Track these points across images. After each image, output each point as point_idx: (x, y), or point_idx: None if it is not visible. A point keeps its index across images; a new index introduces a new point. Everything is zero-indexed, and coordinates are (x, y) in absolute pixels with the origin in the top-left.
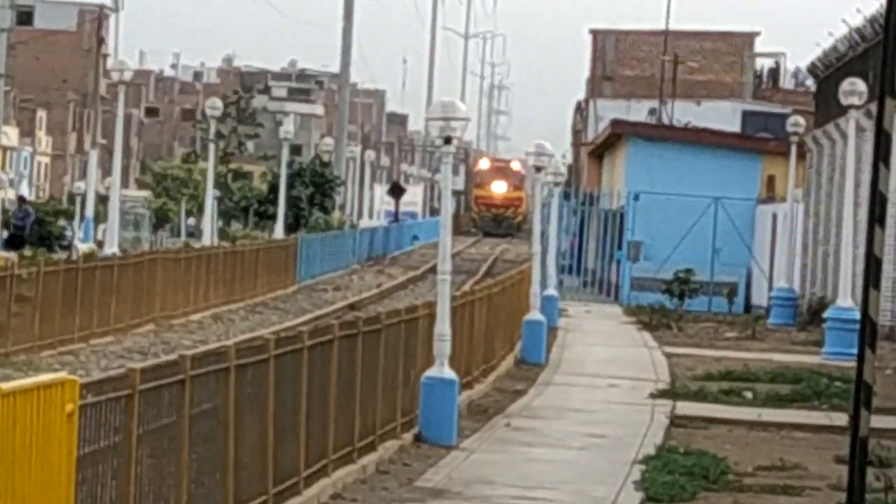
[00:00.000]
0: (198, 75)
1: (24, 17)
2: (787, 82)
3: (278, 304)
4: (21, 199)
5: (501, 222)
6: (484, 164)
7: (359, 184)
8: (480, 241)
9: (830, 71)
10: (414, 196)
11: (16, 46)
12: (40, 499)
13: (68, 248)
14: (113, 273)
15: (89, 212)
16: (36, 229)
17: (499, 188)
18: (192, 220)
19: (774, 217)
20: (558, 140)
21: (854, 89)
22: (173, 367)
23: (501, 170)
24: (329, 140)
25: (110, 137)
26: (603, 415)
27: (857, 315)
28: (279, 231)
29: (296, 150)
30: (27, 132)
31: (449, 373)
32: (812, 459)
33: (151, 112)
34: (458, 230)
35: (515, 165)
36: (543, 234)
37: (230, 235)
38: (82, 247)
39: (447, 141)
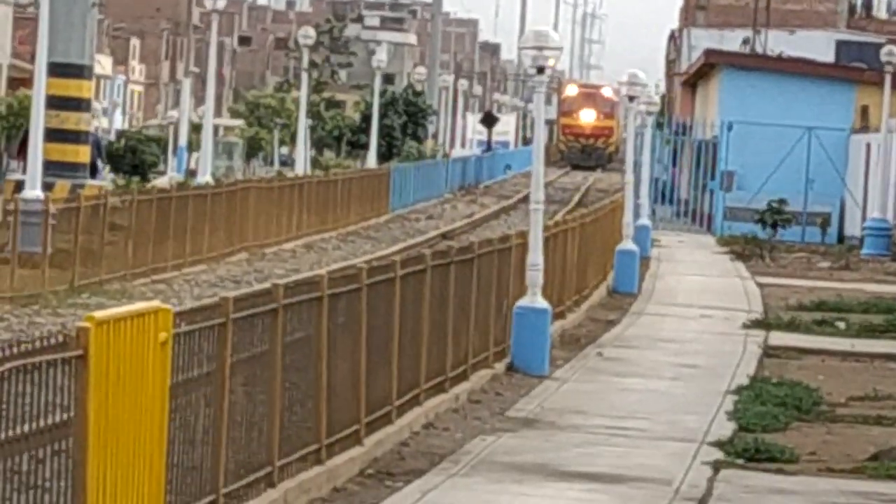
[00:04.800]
0: (291, 4)
1: None
2: (881, 11)
3: (371, 233)
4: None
5: (591, 153)
6: (571, 90)
7: (451, 113)
8: (570, 171)
9: None
10: (506, 125)
11: None
12: (134, 427)
13: (162, 175)
14: (206, 202)
15: (182, 140)
16: (129, 157)
17: (587, 117)
18: (284, 149)
19: (868, 147)
20: (651, 69)
21: None
22: (266, 295)
23: (591, 96)
24: (422, 69)
25: (203, 66)
26: (695, 345)
27: None
28: (372, 160)
29: (388, 79)
30: (121, 60)
31: (541, 302)
32: None
33: (244, 41)
34: (549, 160)
35: (606, 91)
36: (636, 164)
37: (323, 164)
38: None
39: (540, 70)
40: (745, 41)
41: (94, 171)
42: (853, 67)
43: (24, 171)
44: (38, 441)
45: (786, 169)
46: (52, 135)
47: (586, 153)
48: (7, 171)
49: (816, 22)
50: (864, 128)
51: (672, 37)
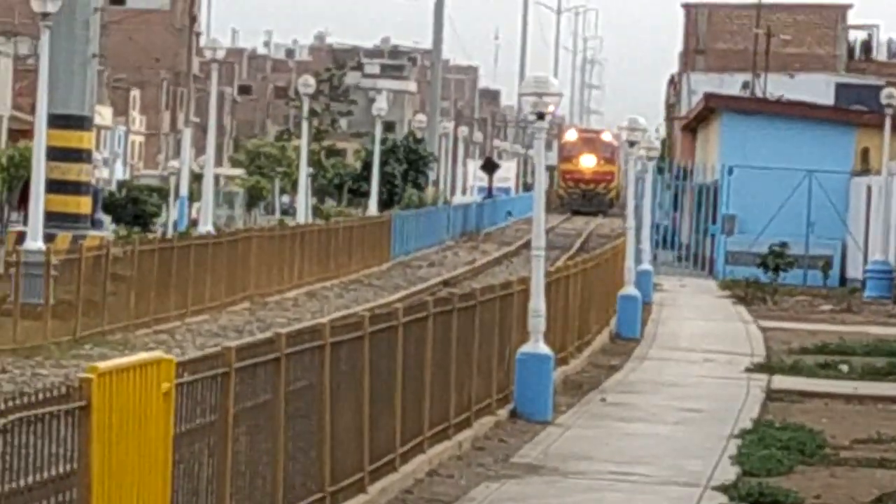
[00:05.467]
0: (290, 53)
1: None
2: (880, 54)
3: (372, 280)
4: None
5: (591, 199)
6: (571, 135)
7: (452, 160)
8: (571, 217)
9: None
10: (507, 172)
11: (109, 26)
12: (138, 477)
13: (163, 226)
14: (208, 251)
15: (183, 190)
16: (131, 207)
17: (588, 162)
18: (285, 198)
19: (869, 189)
20: (651, 114)
21: None
22: (269, 345)
23: (590, 141)
24: (422, 116)
25: (203, 116)
26: (698, 389)
27: None
28: (373, 208)
29: (389, 126)
30: (121, 111)
31: (544, 348)
32: None
33: (244, 90)
34: (550, 206)
35: (606, 136)
36: (637, 209)
37: (324, 213)
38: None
39: (540, 116)
40: (745, 85)
41: (94, 222)
42: (853, 110)
43: (25, 223)
44: (42, 493)
45: (787, 212)
46: (54, 186)
47: (587, 199)
48: (8, 223)
49: (816, 65)
50: (865, 170)
51: (672, 81)
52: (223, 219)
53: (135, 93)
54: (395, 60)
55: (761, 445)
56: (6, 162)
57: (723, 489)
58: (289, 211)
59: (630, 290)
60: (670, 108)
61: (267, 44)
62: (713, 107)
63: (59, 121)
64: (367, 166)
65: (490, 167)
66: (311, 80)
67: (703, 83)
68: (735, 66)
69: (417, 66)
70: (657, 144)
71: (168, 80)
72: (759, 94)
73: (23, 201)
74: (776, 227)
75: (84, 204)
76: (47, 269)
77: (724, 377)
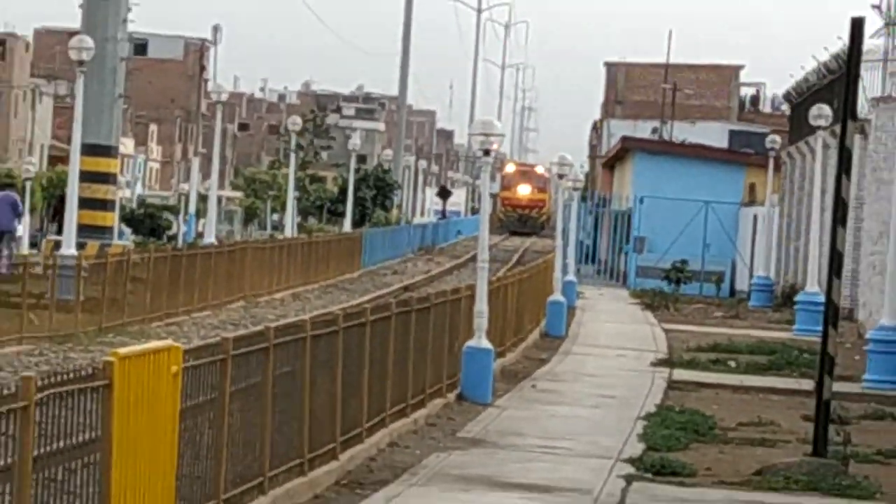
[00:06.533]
0: (282, 97)
1: (140, 48)
2: (766, 107)
3: (346, 285)
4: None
5: (526, 221)
6: (510, 168)
7: (413, 187)
8: (509, 236)
9: (802, 98)
10: (458, 198)
11: (132, 72)
12: (150, 444)
13: (174, 237)
14: (211, 259)
15: (192, 208)
16: (148, 222)
17: (524, 190)
18: (276, 216)
19: (755, 218)
20: (577, 152)
21: (821, 113)
22: (260, 336)
23: (526, 174)
24: (389, 151)
25: (209, 147)
26: (612, 379)
27: (822, 299)
28: (347, 225)
29: (362, 159)
30: (141, 142)
31: (486, 343)
32: (784, 417)
33: (243, 127)
34: (493, 227)
35: (539, 169)
36: (565, 231)
37: (307, 228)
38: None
39: (486, 153)
40: (654, 130)
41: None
42: (743, 152)
43: (59, 233)
44: (70, 455)
45: (687, 235)
46: (85, 203)
47: (522, 221)
48: (47, 233)
49: (713, 115)
50: (752, 202)
51: (594, 126)
52: (224, 232)
53: (153, 127)
54: (367, 105)
55: (663, 426)
56: (46, 183)
57: (631, 461)
58: (278, 227)
59: (558, 296)
60: (593, 147)
61: (262, 89)
62: (628, 147)
63: (90, 149)
64: (343, 191)
65: (444, 194)
66: (299, 120)
67: (620, 128)
68: (647, 114)
69: (386, 110)
70: (582, 178)
71: (181, 117)
72: (666, 137)
73: (55, 215)
74: (678, 247)
75: (109, 218)
76: (78, 271)
77: (633, 370)
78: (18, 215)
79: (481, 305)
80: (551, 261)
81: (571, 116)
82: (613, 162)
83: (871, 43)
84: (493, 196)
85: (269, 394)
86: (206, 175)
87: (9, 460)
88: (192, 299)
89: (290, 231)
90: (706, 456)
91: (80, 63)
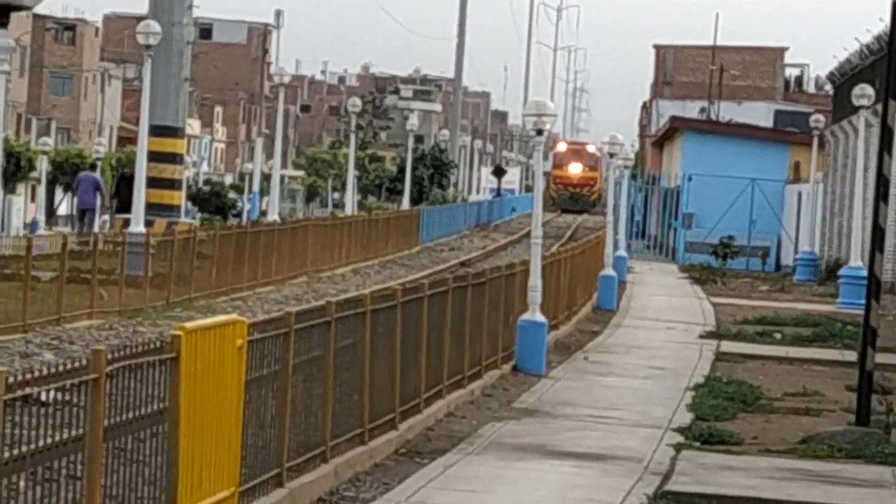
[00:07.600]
0: (342, 79)
1: (205, 32)
2: (810, 87)
3: (404, 261)
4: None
5: (578, 199)
6: (561, 146)
7: (469, 166)
8: (562, 213)
9: (845, 78)
10: (513, 176)
11: (198, 56)
12: (217, 415)
13: (239, 215)
14: (274, 236)
15: (255, 187)
16: (214, 200)
17: (575, 169)
18: (336, 195)
19: (800, 195)
20: (628, 132)
21: (864, 93)
22: (321, 310)
23: (577, 152)
24: (445, 132)
25: (272, 128)
26: (662, 351)
27: (865, 273)
28: (406, 203)
29: (419, 139)
30: (207, 123)
31: (540, 317)
32: (828, 388)
33: (305, 108)
34: (546, 205)
35: (591, 148)
36: (615, 207)
37: (367, 206)
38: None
39: (539, 132)
40: (702, 110)
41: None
42: (788, 131)
43: (117, 212)
44: (139, 425)
45: (734, 212)
46: (152, 182)
47: (574, 199)
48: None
49: (759, 95)
50: (797, 179)
51: (644, 106)
52: (287, 210)
53: (218, 109)
54: (424, 87)
55: (711, 396)
56: (116, 163)
57: (680, 430)
58: (339, 205)
59: (609, 271)
60: (643, 127)
61: (323, 72)
62: (677, 127)
63: (157, 130)
64: (401, 170)
65: (499, 172)
66: (358, 101)
67: (668, 108)
68: (695, 95)
69: (442, 92)
70: (632, 156)
71: (245, 99)
72: (713, 117)
73: (116, 194)
74: (725, 223)
75: (177, 197)
76: (147, 248)
77: (682, 342)
78: (102, 195)
79: (535, 280)
80: (602, 237)
81: (622, 97)
82: (662, 141)
83: None
84: (546, 174)
85: (331, 366)
86: (269, 155)
87: (81, 430)
88: (255, 275)
89: (350, 209)
90: (752, 425)
91: (148, 47)
